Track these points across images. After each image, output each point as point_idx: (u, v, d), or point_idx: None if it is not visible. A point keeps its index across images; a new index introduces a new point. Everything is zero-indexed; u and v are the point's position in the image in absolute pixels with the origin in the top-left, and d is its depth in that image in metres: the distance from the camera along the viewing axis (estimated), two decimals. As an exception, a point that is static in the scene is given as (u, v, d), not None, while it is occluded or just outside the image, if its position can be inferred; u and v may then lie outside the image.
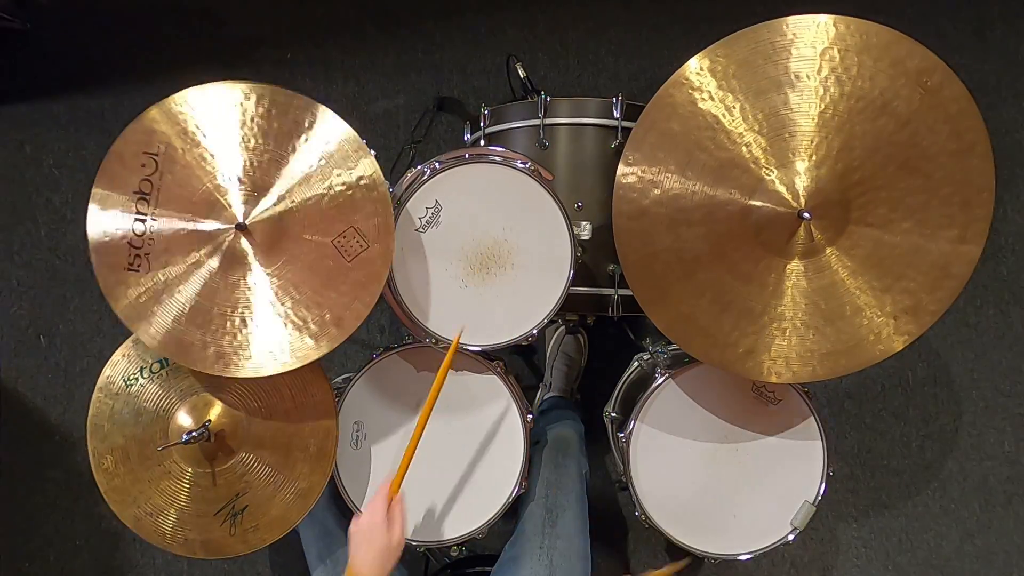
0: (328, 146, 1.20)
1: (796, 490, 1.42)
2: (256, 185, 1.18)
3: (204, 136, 1.18)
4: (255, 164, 1.18)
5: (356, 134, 1.21)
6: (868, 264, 1.21)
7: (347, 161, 1.20)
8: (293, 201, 1.19)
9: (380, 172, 1.21)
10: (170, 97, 1.18)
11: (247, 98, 1.18)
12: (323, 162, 1.19)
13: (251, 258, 1.19)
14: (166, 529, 1.28)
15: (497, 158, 1.35)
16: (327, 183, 1.19)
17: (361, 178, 1.20)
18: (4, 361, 2.12)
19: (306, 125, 1.19)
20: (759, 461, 1.43)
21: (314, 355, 1.20)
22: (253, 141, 1.18)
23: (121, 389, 1.28)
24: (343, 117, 1.20)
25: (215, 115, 1.18)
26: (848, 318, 1.23)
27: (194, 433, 1.21)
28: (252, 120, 1.18)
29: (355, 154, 1.20)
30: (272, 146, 1.19)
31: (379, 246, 1.20)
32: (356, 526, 1.22)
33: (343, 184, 1.19)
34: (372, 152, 1.23)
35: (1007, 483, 2.06)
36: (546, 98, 1.51)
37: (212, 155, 1.18)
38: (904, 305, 1.22)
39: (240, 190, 1.18)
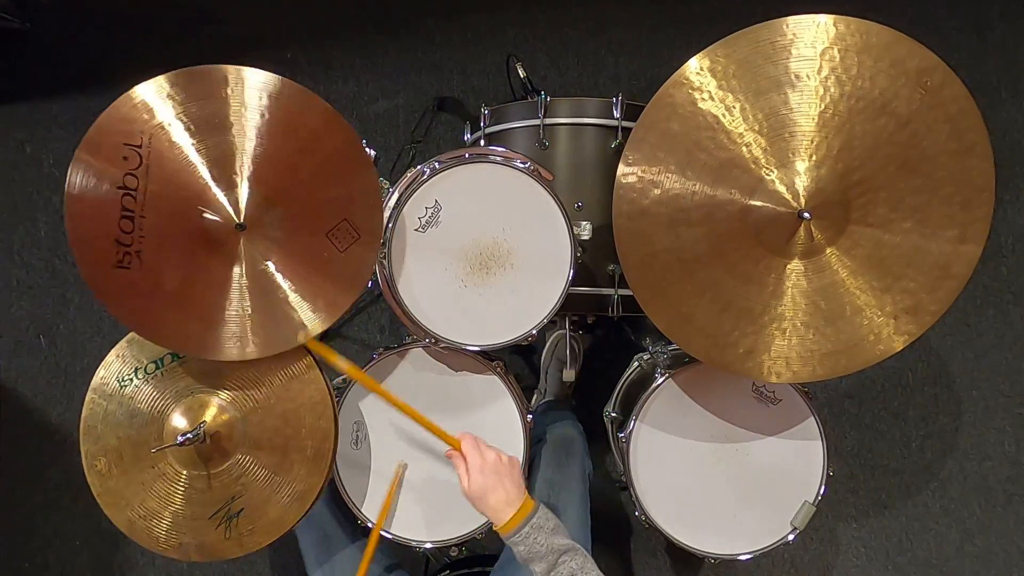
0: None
1: (796, 490, 1.42)
2: (224, 175, 1.15)
3: (173, 132, 1.14)
4: (215, 154, 1.15)
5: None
6: (868, 264, 1.20)
7: (292, 106, 1.15)
8: (273, 178, 1.16)
9: (362, 145, 1.21)
10: (122, 96, 1.13)
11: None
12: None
13: (249, 253, 1.18)
14: (160, 533, 1.26)
15: (497, 158, 1.35)
16: (286, 139, 1.15)
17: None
18: (4, 361, 2.12)
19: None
20: (759, 461, 1.43)
21: (310, 335, 1.23)
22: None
23: (115, 390, 1.27)
24: (344, 117, 1.20)
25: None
26: (848, 318, 1.23)
27: (189, 435, 1.19)
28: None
29: (299, 98, 1.16)
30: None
31: (369, 236, 1.21)
32: (467, 494, 1.27)
33: (308, 136, 1.16)
34: (372, 152, 1.23)
35: (1007, 483, 2.06)
36: (546, 98, 1.51)
37: (187, 150, 1.14)
38: (904, 305, 1.22)
39: (217, 183, 1.15)
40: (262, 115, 1.15)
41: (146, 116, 1.13)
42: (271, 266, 1.20)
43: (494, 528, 1.26)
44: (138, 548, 2.08)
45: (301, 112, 1.16)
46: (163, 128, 1.13)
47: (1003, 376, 2.07)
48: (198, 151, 1.14)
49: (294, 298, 1.22)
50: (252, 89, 1.15)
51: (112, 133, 1.12)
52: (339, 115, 1.18)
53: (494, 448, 1.30)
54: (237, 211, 1.15)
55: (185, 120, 1.13)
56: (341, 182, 1.20)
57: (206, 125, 1.14)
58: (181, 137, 1.14)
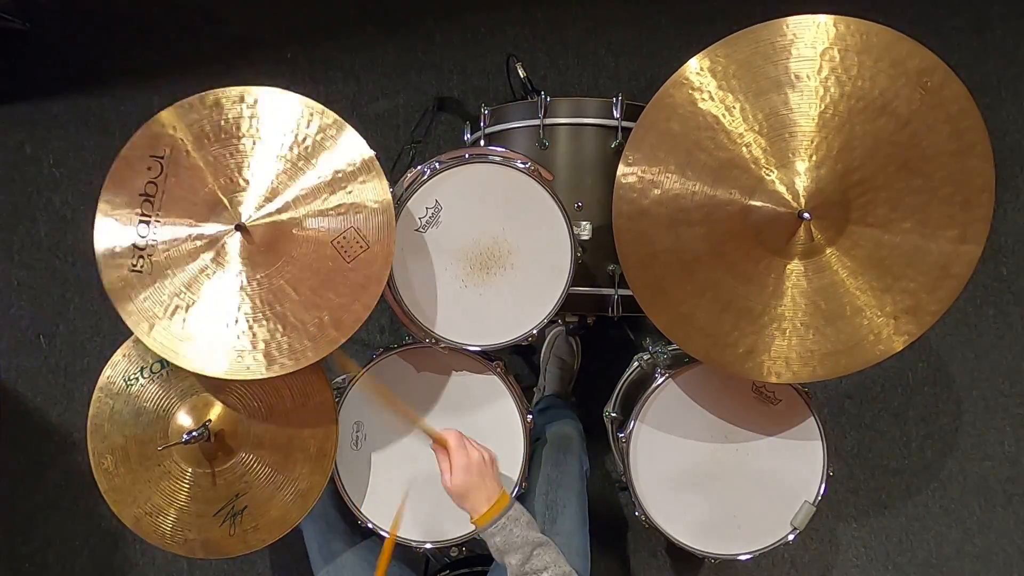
0: (345, 165, 1.20)
1: (796, 490, 1.42)
2: (270, 190, 1.20)
3: (191, 143, 1.19)
4: (279, 171, 1.20)
5: (372, 153, 1.21)
6: (868, 264, 1.21)
7: (357, 178, 1.21)
8: (295, 209, 1.20)
9: (382, 172, 1.22)
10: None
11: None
12: (334, 176, 1.20)
13: (249, 257, 1.18)
14: (166, 529, 1.28)
15: (497, 158, 1.35)
16: (331, 197, 1.20)
17: (373, 200, 1.21)
18: (4, 361, 2.12)
19: (331, 142, 1.20)
20: (759, 461, 1.43)
21: (312, 358, 1.19)
22: (288, 152, 1.20)
23: (121, 389, 1.28)
24: (343, 117, 1.20)
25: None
26: (848, 318, 1.23)
27: (194, 433, 1.21)
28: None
29: (365, 169, 1.21)
30: (297, 158, 1.20)
31: (380, 246, 1.20)
32: (448, 489, 1.28)
33: (346, 195, 1.21)
34: (372, 152, 1.23)
35: (1007, 483, 2.06)
36: (546, 98, 1.51)
37: (201, 160, 1.19)
38: (904, 305, 1.22)
39: (256, 193, 1.19)
40: (281, 136, 1.20)
41: (171, 131, 1.19)
42: (275, 274, 1.20)
43: (471, 522, 1.28)
44: (138, 548, 2.08)
45: (321, 136, 1.21)
46: (184, 140, 1.19)
47: (1003, 376, 2.07)
48: (212, 160, 1.18)
49: (298, 311, 1.20)
50: (266, 104, 1.20)
51: (141, 147, 1.19)
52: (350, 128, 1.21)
53: (479, 446, 1.32)
54: (245, 217, 1.18)
55: (203, 131, 1.18)
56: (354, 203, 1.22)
57: (223, 137, 1.19)
58: (199, 148, 1.18)
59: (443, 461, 1.30)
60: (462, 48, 2.14)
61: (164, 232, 1.19)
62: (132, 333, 1.25)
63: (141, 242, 1.19)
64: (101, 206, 1.19)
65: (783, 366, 1.26)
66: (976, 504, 2.06)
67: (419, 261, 1.33)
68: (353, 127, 1.20)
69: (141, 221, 1.19)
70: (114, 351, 1.30)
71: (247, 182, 1.19)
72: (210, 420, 1.25)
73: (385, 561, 1.28)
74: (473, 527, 1.29)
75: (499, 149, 1.50)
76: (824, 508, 1.59)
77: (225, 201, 1.19)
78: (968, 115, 1.14)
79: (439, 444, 1.32)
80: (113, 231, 1.19)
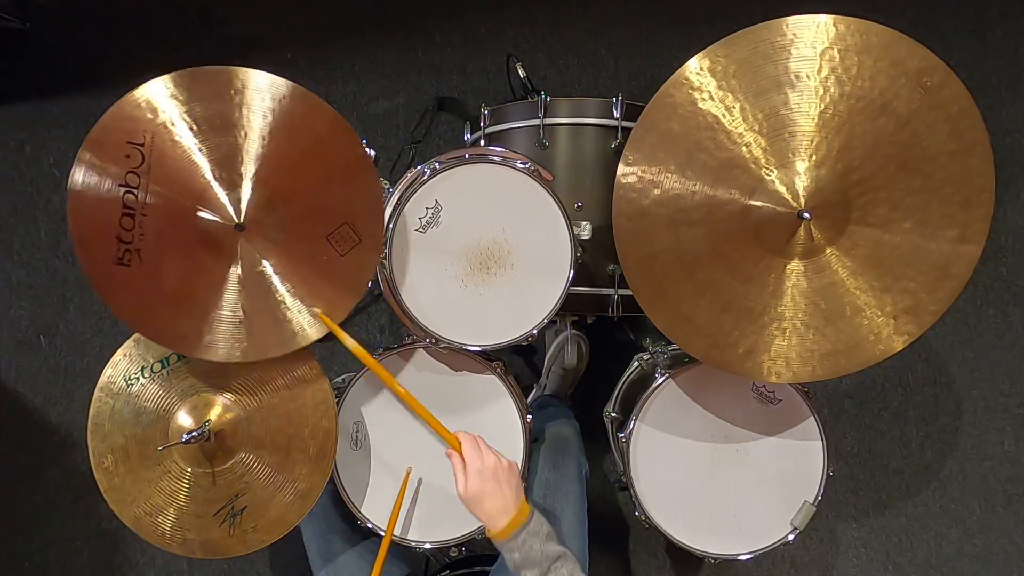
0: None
1: (796, 490, 1.42)
2: (230, 174, 1.15)
3: (177, 131, 1.14)
4: (218, 154, 1.15)
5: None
6: (868, 264, 1.21)
7: (294, 113, 1.15)
8: (275, 180, 1.16)
9: (366, 151, 1.21)
10: (126, 95, 1.12)
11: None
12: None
13: (248, 253, 1.18)
14: (165, 529, 1.28)
15: (497, 158, 1.35)
16: (291, 144, 1.15)
17: (321, 132, 1.16)
18: (4, 361, 2.13)
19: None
20: (759, 461, 1.43)
21: (309, 339, 1.24)
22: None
23: (122, 389, 1.28)
24: (344, 117, 1.20)
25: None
26: (848, 318, 1.23)
27: (194, 433, 1.21)
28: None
29: (306, 103, 1.15)
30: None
31: (370, 240, 1.22)
32: (463, 496, 1.24)
33: (314, 144, 1.16)
34: (372, 152, 1.23)
35: (1007, 483, 2.06)
36: (546, 98, 1.51)
37: (189, 149, 1.15)
38: (904, 305, 1.22)
39: (219, 183, 1.15)
40: (267, 118, 1.15)
41: (150, 115, 1.13)
42: (269, 268, 1.20)
43: (487, 534, 1.23)
44: (138, 548, 2.08)
45: (307, 117, 1.17)
46: (166, 127, 1.13)
47: (1003, 376, 2.07)
48: (200, 151, 1.15)
49: (292, 301, 1.22)
50: (259, 92, 1.15)
51: (115, 131, 1.12)
52: (346, 122, 1.18)
53: (494, 451, 1.27)
54: (237, 211, 1.16)
55: (189, 120, 1.14)
56: (344, 187, 1.20)
57: (210, 125, 1.14)
58: (184, 136, 1.14)
59: (457, 467, 1.25)
60: (462, 48, 2.14)
61: (152, 225, 1.15)
62: (132, 333, 1.25)
63: (126, 235, 1.14)
64: (72, 195, 1.12)
65: (783, 366, 1.26)
66: (976, 504, 2.06)
67: (419, 261, 1.33)
68: (353, 127, 1.20)
69: (125, 214, 1.14)
70: (114, 351, 1.30)
71: (238, 172, 1.16)
72: (210, 420, 1.25)
73: (381, 558, 1.28)
74: (482, 534, 1.26)
75: (499, 149, 1.50)
76: (824, 508, 1.59)
77: (217, 193, 1.16)
78: (968, 115, 1.14)
79: (452, 447, 1.29)
80: (93, 223, 1.13)
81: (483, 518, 1.23)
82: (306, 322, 1.23)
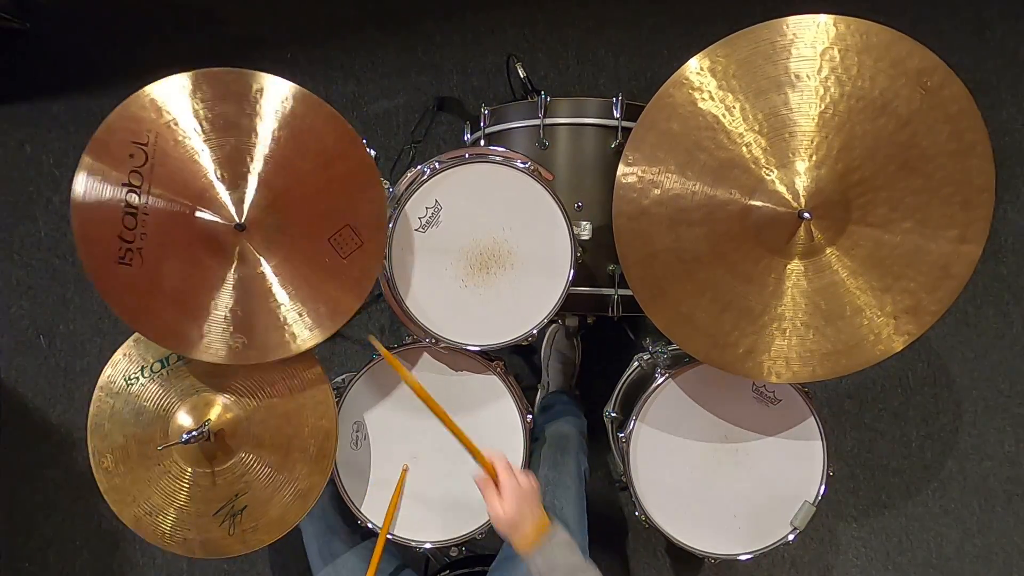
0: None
1: (796, 490, 1.42)
2: (233, 176, 1.15)
3: (181, 131, 1.14)
4: (222, 155, 1.15)
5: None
6: (868, 264, 1.21)
7: (304, 119, 1.15)
8: (277, 182, 1.16)
9: (372, 160, 1.21)
10: (135, 94, 1.13)
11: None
12: (283, 130, 1.15)
13: (249, 254, 1.18)
14: (165, 528, 1.28)
15: (497, 158, 1.35)
16: (295, 148, 1.16)
17: (327, 136, 1.17)
18: (4, 361, 2.13)
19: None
20: (759, 461, 1.43)
21: (309, 343, 1.23)
22: (209, 132, 1.14)
23: (122, 388, 1.28)
24: (344, 117, 1.20)
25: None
26: (848, 318, 1.23)
27: (194, 433, 1.21)
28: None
29: (315, 112, 1.16)
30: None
31: (372, 244, 1.21)
32: (500, 519, 1.18)
33: (319, 149, 1.16)
34: (372, 152, 1.23)
35: (1007, 483, 2.06)
36: (546, 98, 1.51)
37: (193, 149, 1.15)
38: (904, 305, 1.22)
39: (222, 184, 1.16)
40: (272, 120, 1.16)
41: (154, 115, 1.13)
42: (270, 269, 1.20)
43: (516, 548, 1.19)
44: (138, 548, 2.08)
45: (311, 120, 1.17)
46: (170, 127, 1.14)
47: (1003, 376, 2.07)
48: (204, 151, 1.15)
49: (293, 304, 1.22)
50: (267, 95, 1.16)
51: (120, 131, 1.13)
52: (351, 128, 1.19)
53: (523, 471, 1.22)
54: (239, 211, 1.16)
55: (194, 120, 1.14)
56: (347, 191, 1.20)
57: (214, 126, 1.15)
58: (188, 136, 1.14)
59: (490, 492, 1.18)
60: (462, 48, 2.14)
61: (153, 224, 1.15)
62: (132, 333, 1.25)
63: (128, 234, 1.15)
64: (75, 196, 1.13)
65: (783, 366, 1.26)
66: (976, 504, 2.06)
67: (419, 261, 1.33)
68: (353, 127, 1.20)
69: (127, 214, 1.15)
70: (114, 351, 1.30)
71: (242, 174, 1.17)
72: (210, 420, 1.25)
73: (378, 554, 1.27)
74: (512, 548, 1.20)
75: (499, 149, 1.50)
76: (824, 508, 1.59)
77: (219, 194, 1.16)
78: (968, 115, 1.14)
79: (486, 470, 1.20)
80: (96, 223, 1.14)
81: (516, 537, 1.18)
82: (307, 325, 1.23)
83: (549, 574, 1.16)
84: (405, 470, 1.40)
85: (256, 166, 1.16)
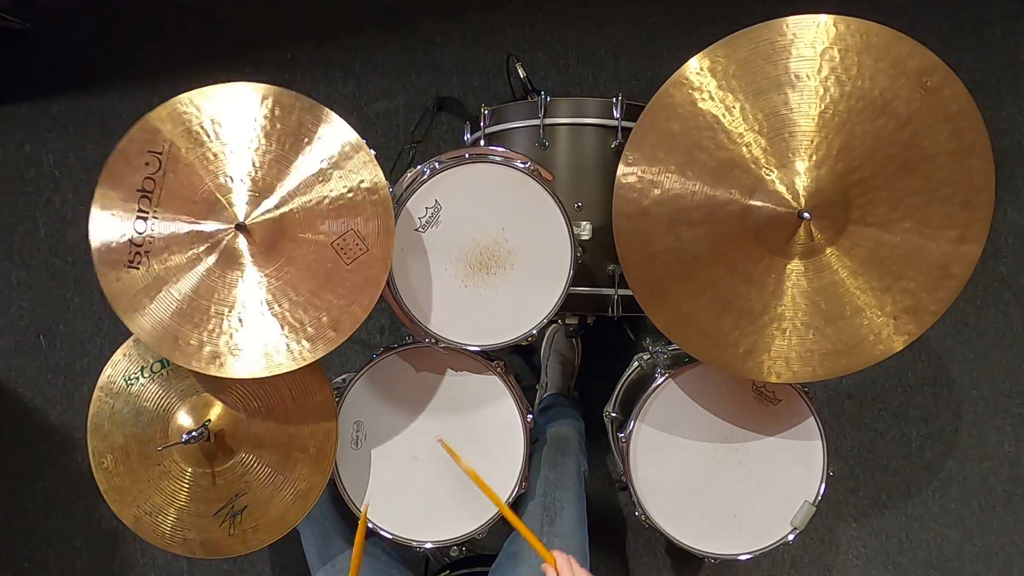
0: (333, 150, 1.19)
1: (796, 490, 1.42)
2: (260, 187, 1.18)
3: (209, 136, 1.18)
4: (260, 165, 1.18)
5: (359, 138, 1.21)
6: (868, 264, 1.21)
7: (349, 165, 1.20)
8: (294, 203, 1.19)
9: (382, 175, 1.21)
10: (176, 98, 1.18)
11: (257, 99, 1.18)
12: (326, 166, 1.19)
13: (249, 258, 1.19)
14: (165, 529, 1.28)
15: (497, 158, 1.35)
16: (328, 187, 1.19)
17: (363, 182, 1.20)
18: (4, 361, 2.13)
19: (311, 128, 1.19)
20: (759, 461, 1.43)
21: (309, 358, 1.20)
22: (259, 143, 1.18)
23: (122, 388, 1.28)
24: (343, 117, 1.20)
25: (224, 115, 1.18)
26: (848, 318, 1.23)
27: (194, 433, 1.21)
28: (259, 121, 1.18)
29: (357, 157, 1.20)
30: (277, 148, 1.18)
31: (378, 249, 1.20)
32: None
33: (344, 188, 1.19)
34: (372, 152, 1.23)
35: (1007, 483, 2.06)
36: (546, 98, 1.51)
37: (216, 155, 1.18)
38: (904, 305, 1.22)
39: (245, 191, 1.18)
40: (276, 127, 1.19)
41: (171, 125, 1.18)
42: (274, 274, 1.20)
43: None
44: (138, 548, 2.08)
45: (314, 128, 1.20)
46: (184, 135, 1.17)
47: (1003, 376, 2.07)
48: (212, 158, 1.17)
49: (295, 312, 1.21)
50: (268, 104, 1.19)
51: (139, 141, 1.17)
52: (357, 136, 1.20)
53: (584, 570, 1.18)
54: (243, 214, 1.18)
55: (206, 128, 1.17)
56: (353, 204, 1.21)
57: (225, 133, 1.18)
58: (199, 144, 1.17)
59: None
60: (462, 48, 2.14)
61: (162, 229, 1.18)
62: (132, 333, 1.25)
63: (139, 238, 1.18)
64: (97, 199, 1.18)
65: (783, 366, 1.26)
66: (976, 504, 2.06)
67: (419, 261, 1.33)
68: (353, 127, 1.20)
69: (139, 217, 1.18)
70: (114, 351, 1.30)
71: (240, 180, 1.19)
72: (210, 420, 1.25)
73: (356, 559, 1.25)
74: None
75: (499, 149, 1.50)
76: (824, 508, 1.59)
77: (223, 200, 1.18)
78: (968, 115, 1.14)
79: (548, 563, 1.17)
80: (110, 227, 1.18)
81: None
82: (308, 336, 1.20)
83: None
84: (366, 509, 1.37)
85: (260, 171, 1.19)
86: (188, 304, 1.19)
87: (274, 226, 1.18)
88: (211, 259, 1.19)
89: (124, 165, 1.17)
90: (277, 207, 1.19)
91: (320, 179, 1.19)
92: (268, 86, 1.19)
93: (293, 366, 1.20)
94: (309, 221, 1.19)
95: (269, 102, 1.18)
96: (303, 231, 1.19)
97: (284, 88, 1.19)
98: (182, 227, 1.18)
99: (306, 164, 1.19)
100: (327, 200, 1.19)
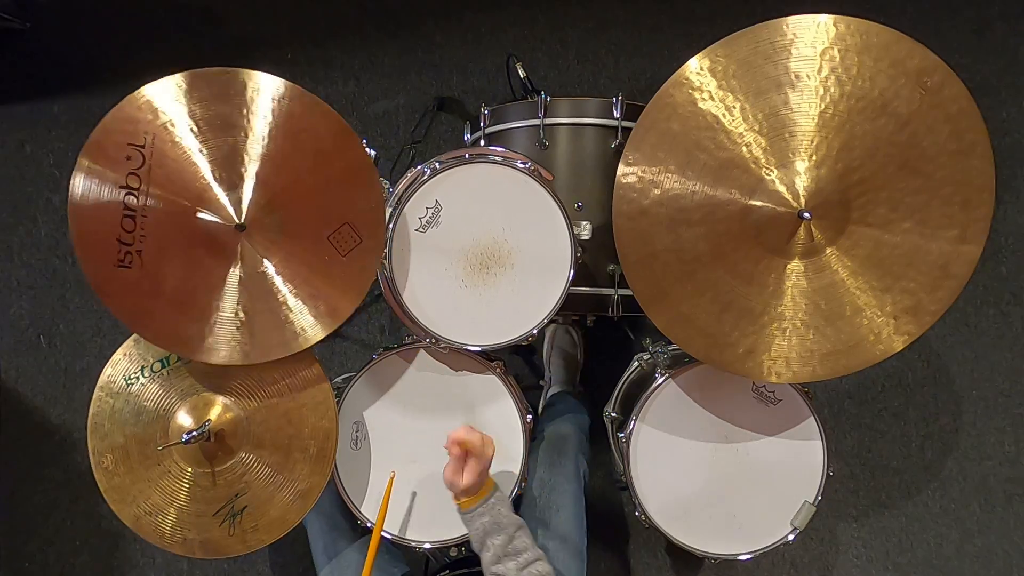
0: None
1: (796, 490, 1.42)
2: (231, 176, 1.15)
3: (178, 132, 1.14)
4: (220, 155, 1.15)
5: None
6: (868, 264, 1.21)
7: (305, 119, 1.15)
8: (276, 181, 1.16)
9: (370, 156, 1.21)
10: (130, 96, 1.13)
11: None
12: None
13: (249, 254, 1.18)
14: (165, 528, 1.28)
15: (497, 158, 1.35)
16: (294, 146, 1.15)
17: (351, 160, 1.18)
18: (4, 361, 2.12)
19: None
20: (759, 461, 1.43)
21: (310, 341, 1.23)
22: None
23: (122, 388, 1.28)
24: (343, 117, 1.20)
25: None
26: (848, 318, 1.23)
27: (194, 433, 1.21)
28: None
29: (309, 106, 1.16)
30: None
31: (372, 242, 1.22)
32: (463, 486, 1.23)
33: (316, 147, 1.16)
34: (372, 152, 1.23)
35: (1007, 483, 2.06)
36: (546, 98, 1.51)
37: (190, 150, 1.15)
38: (904, 305, 1.22)
39: (219, 184, 1.16)
40: (268, 119, 1.16)
41: (150, 116, 1.13)
42: (271, 268, 1.20)
43: (460, 505, 1.25)
44: (138, 548, 2.08)
45: (308, 118, 1.17)
46: (167, 128, 1.14)
47: (1003, 376, 2.07)
48: (201, 151, 1.15)
49: (294, 302, 1.22)
50: (260, 93, 1.15)
51: (116, 133, 1.13)
52: (346, 124, 1.18)
53: (485, 437, 1.23)
54: (238, 211, 1.16)
55: (190, 121, 1.14)
56: (344, 188, 1.20)
57: (211, 126, 1.15)
58: (185, 137, 1.14)
59: (458, 458, 1.22)
60: (462, 48, 2.14)
61: (152, 226, 1.15)
62: (132, 333, 1.25)
63: (127, 238, 1.15)
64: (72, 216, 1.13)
65: (783, 366, 1.26)
66: (976, 504, 2.06)
67: (419, 261, 1.33)
68: (353, 127, 1.20)
69: (126, 216, 1.14)
70: (114, 351, 1.30)
71: (240, 174, 1.17)
72: (210, 420, 1.25)
73: (372, 554, 1.26)
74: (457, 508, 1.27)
75: (499, 149, 1.50)
76: (824, 508, 1.59)
77: (217, 194, 1.16)
78: (968, 115, 1.14)
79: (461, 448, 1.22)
80: (93, 224, 1.14)
81: (464, 497, 1.25)
82: (308, 323, 1.23)
83: (492, 531, 1.23)
84: (392, 478, 1.39)
85: (253, 165, 1.16)
86: (185, 299, 1.19)
87: (271, 223, 1.18)
88: (207, 255, 1.18)
89: (102, 158, 1.13)
90: (259, 189, 1.16)
91: (282, 143, 1.15)
92: (188, 72, 1.12)
93: (293, 350, 1.23)
94: (305, 216, 1.19)
95: (195, 88, 1.13)
96: (299, 227, 1.19)
97: (200, 69, 1.13)
98: (173, 224, 1.16)
99: (257, 134, 1.15)
100: (306, 168, 1.17)
